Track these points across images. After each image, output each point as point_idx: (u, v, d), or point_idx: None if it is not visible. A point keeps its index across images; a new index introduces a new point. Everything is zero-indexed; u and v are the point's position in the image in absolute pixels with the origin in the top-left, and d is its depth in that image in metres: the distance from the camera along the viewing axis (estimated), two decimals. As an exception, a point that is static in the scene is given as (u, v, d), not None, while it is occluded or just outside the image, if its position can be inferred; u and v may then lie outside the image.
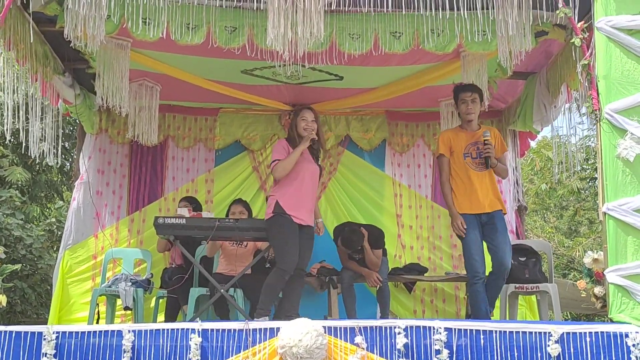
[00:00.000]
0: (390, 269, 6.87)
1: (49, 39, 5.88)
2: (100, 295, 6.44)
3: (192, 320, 5.81)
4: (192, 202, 6.83)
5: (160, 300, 6.79)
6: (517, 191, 7.56)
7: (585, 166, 5.70)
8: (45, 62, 5.92)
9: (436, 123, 7.47)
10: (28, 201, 12.78)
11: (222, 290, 5.71)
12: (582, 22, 4.61)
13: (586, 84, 4.54)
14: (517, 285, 5.92)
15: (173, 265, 6.66)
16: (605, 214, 4.36)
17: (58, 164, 8.66)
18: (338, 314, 6.61)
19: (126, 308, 6.27)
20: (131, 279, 6.39)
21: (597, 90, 4.48)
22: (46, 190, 14.64)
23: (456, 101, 5.80)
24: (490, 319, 5.39)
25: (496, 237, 5.50)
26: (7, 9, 4.50)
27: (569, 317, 16.91)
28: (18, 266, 6.98)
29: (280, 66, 5.51)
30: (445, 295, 7.33)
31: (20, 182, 12.27)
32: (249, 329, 4.02)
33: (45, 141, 6.23)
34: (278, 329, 4.01)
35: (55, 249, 13.01)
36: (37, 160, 5.99)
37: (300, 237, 5.33)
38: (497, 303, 6.05)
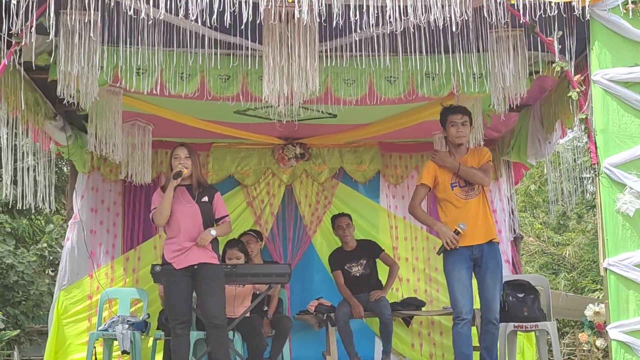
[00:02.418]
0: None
1: (38, 84, 5.83)
2: (98, 339, 6.40)
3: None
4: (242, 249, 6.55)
5: (158, 340, 6.74)
6: (513, 221, 7.57)
7: (574, 166, 5.78)
8: (37, 109, 5.87)
9: (430, 154, 7.45)
10: (16, 216, 12.70)
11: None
12: (579, 75, 4.61)
13: (584, 137, 4.54)
14: (517, 324, 5.91)
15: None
16: (606, 269, 4.37)
17: (52, 212, 8.57)
18: (336, 350, 6.59)
19: (123, 352, 6.24)
20: (128, 320, 6.36)
21: (595, 144, 4.48)
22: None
23: (444, 124, 5.38)
24: None
25: (485, 277, 5.16)
26: (2, 70, 4.44)
27: (561, 325, 17.02)
28: (17, 331, 6.90)
29: (274, 108, 5.48)
30: (443, 328, 7.33)
31: (6, 196, 12.17)
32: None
33: (39, 186, 6.17)
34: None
35: (47, 273, 12.99)
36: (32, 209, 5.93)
37: (195, 283, 5.16)
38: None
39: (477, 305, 5.25)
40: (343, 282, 6.74)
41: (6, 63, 4.45)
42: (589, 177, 6.29)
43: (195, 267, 5.20)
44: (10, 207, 12.64)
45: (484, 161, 5.36)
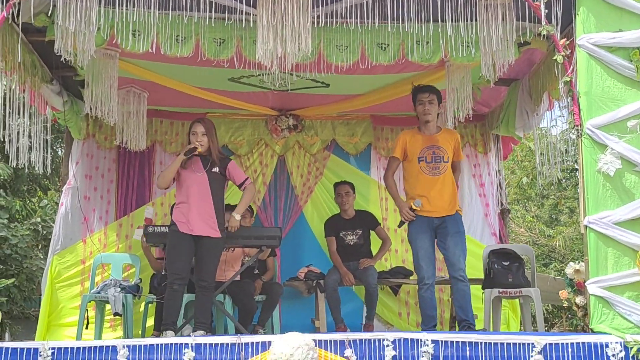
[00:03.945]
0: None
1: (36, 48, 5.90)
2: (90, 301, 6.50)
3: (182, 326, 5.91)
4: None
5: (150, 305, 6.85)
6: (500, 194, 7.69)
7: (565, 157, 5.87)
8: (34, 71, 5.95)
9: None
10: (10, 195, 12.75)
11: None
12: (564, 39, 4.72)
13: (568, 100, 4.66)
14: (501, 290, 6.03)
15: (163, 273, 6.71)
16: (586, 227, 4.50)
17: (48, 172, 8.64)
18: (325, 317, 6.71)
19: (115, 314, 6.34)
20: (120, 284, 6.44)
21: (579, 106, 4.60)
22: (28, 184, 14.61)
23: (414, 102, 5.83)
24: (434, 323, 5.54)
25: (446, 240, 5.57)
26: (1, 22, 4.52)
27: (551, 308, 17.17)
28: (12, 280, 6.98)
29: (268, 74, 5.59)
30: (430, 297, 7.44)
31: (2, 177, 12.23)
32: (242, 343, 4.11)
33: (34, 149, 6.24)
34: (270, 342, 4.10)
35: (40, 247, 13.04)
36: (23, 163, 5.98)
37: (197, 248, 5.41)
38: (481, 306, 6.21)
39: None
40: (335, 249, 6.86)
41: (5, 15, 4.53)
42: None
43: (202, 237, 5.43)
44: (4, 186, 12.73)
45: (459, 158, 5.91)
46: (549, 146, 6.31)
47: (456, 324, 5.78)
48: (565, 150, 6.22)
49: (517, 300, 6.83)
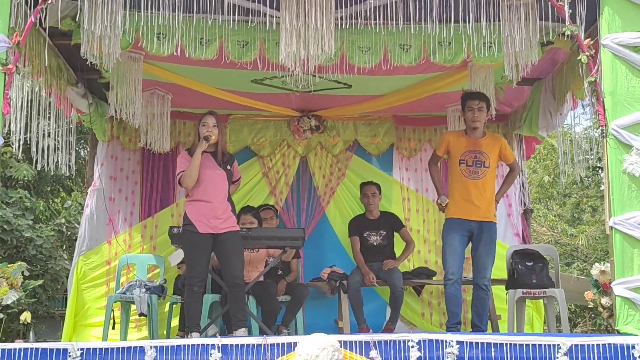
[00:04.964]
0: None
1: (61, 51, 5.98)
2: (115, 302, 6.56)
3: (206, 327, 5.96)
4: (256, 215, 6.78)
5: (174, 305, 6.92)
6: (523, 194, 7.66)
7: (588, 156, 5.84)
8: (59, 74, 6.03)
9: (443, 127, 7.55)
10: (34, 196, 12.91)
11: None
12: (589, 39, 4.70)
13: (593, 100, 4.64)
14: (525, 290, 6.03)
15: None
16: (612, 228, 4.48)
17: (73, 175, 8.73)
18: (348, 317, 6.72)
19: (141, 314, 6.39)
20: (145, 285, 6.48)
21: (604, 106, 4.59)
22: (52, 185, 14.78)
23: (463, 108, 5.93)
24: (457, 320, 5.65)
25: (479, 247, 5.72)
26: (27, 32, 4.59)
27: (574, 308, 17.07)
28: (40, 281, 7.07)
29: (290, 76, 5.62)
30: (453, 296, 7.43)
31: (27, 179, 12.38)
32: (267, 344, 4.13)
33: (57, 151, 6.32)
34: (295, 343, 4.12)
35: (64, 248, 13.19)
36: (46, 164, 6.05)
37: (219, 245, 5.39)
38: (505, 306, 6.21)
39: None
40: (359, 249, 6.88)
41: (33, 20, 4.59)
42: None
43: (222, 234, 5.42)
44: (29, 187, 12.89)
45: (511, 159, 6.07)
46: (573, 144, 6.30)
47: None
48: (590, 148, 6.21)
49: (541, 300, 6.80)
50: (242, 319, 5.33)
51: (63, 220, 12.50)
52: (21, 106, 5.42)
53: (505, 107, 7.50)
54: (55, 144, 6.29)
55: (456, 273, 5.64)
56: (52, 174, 13.87)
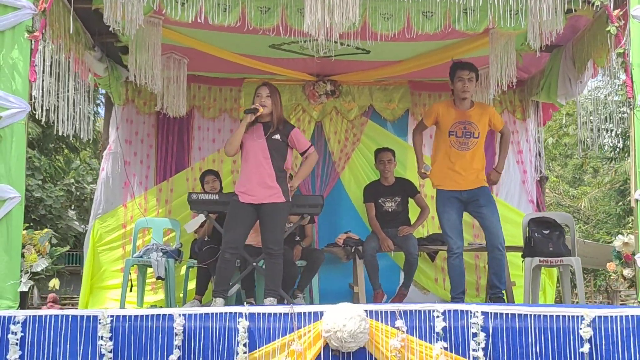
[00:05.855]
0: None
1: (79, 14, 5.92)
2: (133, 265, 6.62)
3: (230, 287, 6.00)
4: (217, 176, 7.02)
5: (190, 269, 6.97)
6: (539, 162, 7.67)
7: (591, 118, 5.82)
8: (78, 38, 5.97)
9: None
10: (37, 154, 12.93)
11: (254, 263, 5.90)
12: (618, 10, 4.66)
13: (621, 71, 4.62)
14: (542, 258, 6.06)
15: (205, 239, 6.80)
16: (637, 200, 4.50)
17: (91, 140, 8.73)
18: (364, 282, 6.78)
19: (158, 278, 6.45)
20: (162, 249, 6.53)
21: (632, 78, 4.56)
22: (55, 142, 14.80)
23: (452, 78, 5.87)
24: (462, 289, 5.75)
25: (481, 211, 5.75)
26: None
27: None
28: (66, 248, 7.10)
29: (310, 41, 5.57)
30: (466, 264, 7.33)
31: (31, 136, 12.38)
32: (294, 313, 4.18)
33: (77, 117, 6.28)
34: (322, 313, 4.16)
35: (72, 208, 13.28)
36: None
37: (260, 215, 5.38)
38: (521, 273, 6.26)
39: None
40: (374, 215, 6.91)
41: (57, -12, 4.54)
42: (609, 129, 6.44)
43: (263, 205, 5.40)
44: (33, 145, 12.88)
45: (500, 126, 6.01)
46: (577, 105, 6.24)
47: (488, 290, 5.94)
48: (594, 109, 6.19)
49: (555, 268, 6.85)
50: (272, 289, 5.34)
51: (72, 180, 12.57)
52: (42, 70, 5.37)
53: (523, 72, 7.45)
54: (74, 109, 6.25)
55: (460, 247, 5.74)
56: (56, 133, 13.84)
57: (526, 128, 7.75)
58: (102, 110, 10.98)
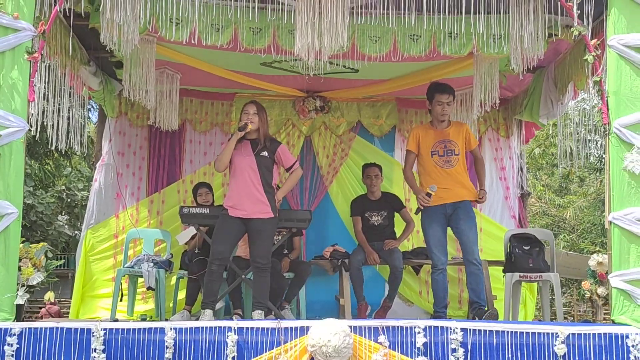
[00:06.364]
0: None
1: (75, 30, 6.06)
2: (124, 275, 6.75)
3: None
4: (210, 188, 7.18)
5: (181, 279, 7.11)
6: (521, 178, 7.87)
7: (578, 128, 6.04)
8: (73, 54, 6.12)
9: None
10: (28, 159, 13.04)
11: (242, 276, 6.05)
12: (595, 39, 4.86)
13: (597, 99, 4.81)
14: (522, 274, 6.23)
15: (196, 251, 6.94)
16: (611, 222, 4.69)
17: (85, 154, 8.85)
18: (349, 295, 6.94)
19: (149, 288, 6.58)
20: (152, 259, 6.66)
21: (607, 105, 4.76)
22: (45, 147, 14.89)
23: (430, 99, 6.04)
24: (445, 304, 5.92)
25: (459, 225, 5.89)
26: (52, 21, 4.69)
27: (563, 280, 17.42)
28: (61, 261, 7.22)
29: (300, 60, 5.73)
30: (449, 277, 7.54)
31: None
32: (281, 328, 4.35)
33: (71, 131, 6.42)
34: (308, 328, 4.33)
35: (62, 214, 13.37)
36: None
37: (249, 231, 5.54)
38: (502, 287, 6.44)
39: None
40: (360, 229, 7.07)
41: (58, 10, 4.70)
42: (594, 140, 6.60)
43: (252, 220, 5.55)
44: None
45: (474, 146, 6.13)
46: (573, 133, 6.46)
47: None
48: (580, 121, 6.35)
49: (535, 283, 7.03)
50: (260, 302, 5.49)
51: (63, 187, 12.67)
52: (38, 87, 5.51)
53: (507, 92, 7.65)
54: (67, 122, 6.39)
55: (444, 262, 5.90)
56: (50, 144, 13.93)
57: (509, 145, 7.95)
58: (92, 115, 11.14)
